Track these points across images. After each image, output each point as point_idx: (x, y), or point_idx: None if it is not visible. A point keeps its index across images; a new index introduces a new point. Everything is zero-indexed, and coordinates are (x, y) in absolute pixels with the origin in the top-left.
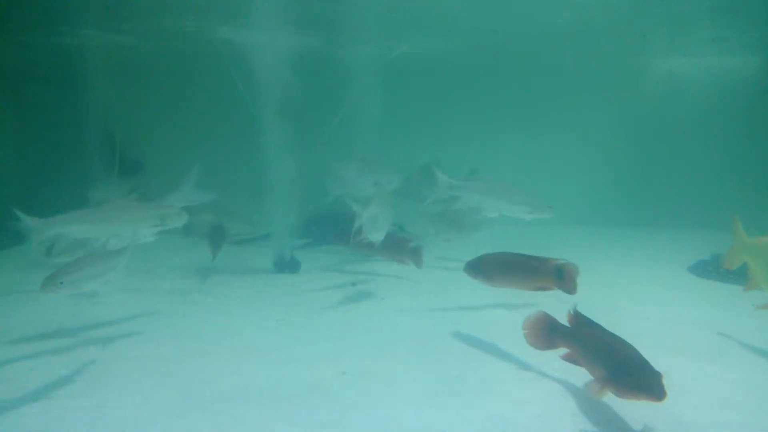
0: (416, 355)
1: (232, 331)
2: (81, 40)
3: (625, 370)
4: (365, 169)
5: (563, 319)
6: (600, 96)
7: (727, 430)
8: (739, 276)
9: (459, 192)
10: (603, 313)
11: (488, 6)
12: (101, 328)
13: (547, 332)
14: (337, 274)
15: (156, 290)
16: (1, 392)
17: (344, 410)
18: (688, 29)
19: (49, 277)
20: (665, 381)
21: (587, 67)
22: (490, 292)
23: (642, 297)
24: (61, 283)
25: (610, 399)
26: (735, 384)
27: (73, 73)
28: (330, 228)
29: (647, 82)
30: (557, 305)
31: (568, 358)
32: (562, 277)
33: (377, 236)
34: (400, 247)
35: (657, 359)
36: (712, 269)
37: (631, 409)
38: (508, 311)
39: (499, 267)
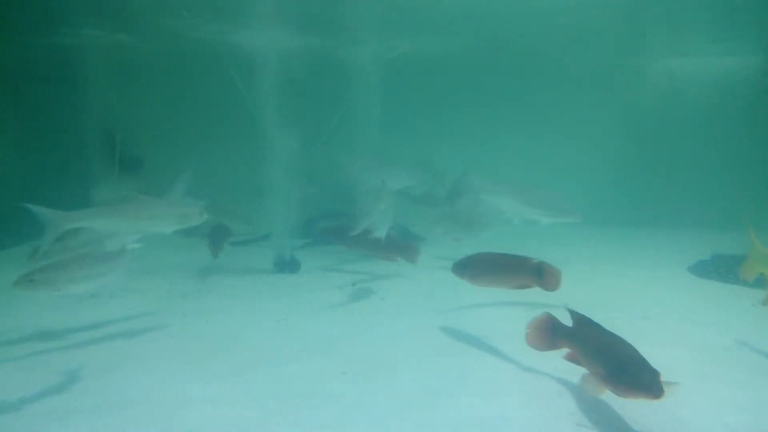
0: (416, 355)
1: (233, 331)
2: (81, 40)
3: (624, 369)
4: (377, 166)
5: (565, 320)
6: (600, 96)
7: (726, 430)
8: (739, 276)
9: (485, 195)
10: (603, 312)
11: (488, 6)
12: (101, 328)
13: (549, 333)
14: (337, 274)
15: (156, 290)
16: (0, 392)
17: (344, 410)
18: (688, 29)
19: (23, 274)
20: (663, 379)
21: (587, 67)
22: (490, 292)
23: (642, 297)
24: (32, 281)
25: (610, 399)
26: (735, 384)
27: (73, 73)
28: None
29: (647, 82)
30: (559, 305)
31: (569, 358)
32: (541, 275)
33: (382, 232)
34: (391, 245)
35: (657, 359)
36: (712, 269)
37: (631, 408)
38: (508, 311)
39: (483, 267)
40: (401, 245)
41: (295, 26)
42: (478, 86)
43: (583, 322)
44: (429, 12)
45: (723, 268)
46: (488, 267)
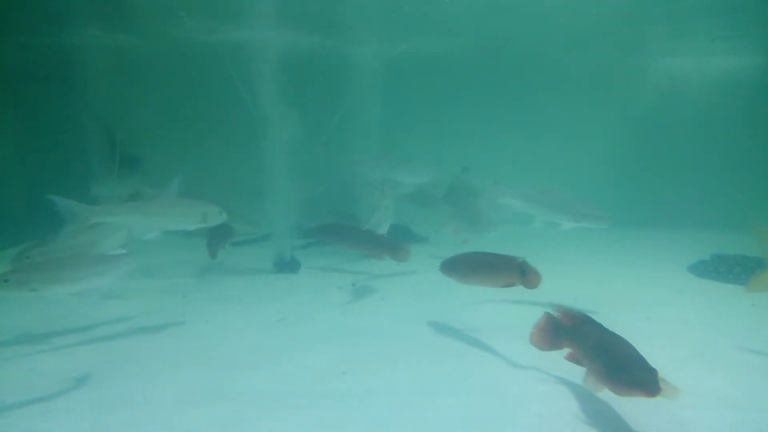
0: (416, 355)
1: (233, 330)
2: (81, 40)
3: (621, 367)
4: (391, 164)
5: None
6: (600, 96)
7: (726, 430)
8: (739, 276)
9: (507, 199)
10: (603, 312)
11: (488, 6)
12: (101, 328)
13: (550, 333)
14: (337, 273)
15: (156, 290)
16: (0, 393)
17: (344, 410)
18: (688, 29)
19: None
20: (660, 377)
21: (587, 67)
22: (490, 292)
23: (642, 297)
24: (6, 281)
25: (611, 399)
26: (734, 383)
27: (73, 73)
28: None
29: (647, 82)
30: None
31: (570, 359)
32: (524, 274)
33: (384, 229)
34: (378, 243)
35: (657, 359)
36: (712, 269)
37: (631, 408)
38: (509, 311)
39: (470, 266)
40: (392, 244)
41: (295, 26)
42: (477, 86)
43: (583, 322)
44: (429, 12)
45: (723, 268)
46: (475, 266)
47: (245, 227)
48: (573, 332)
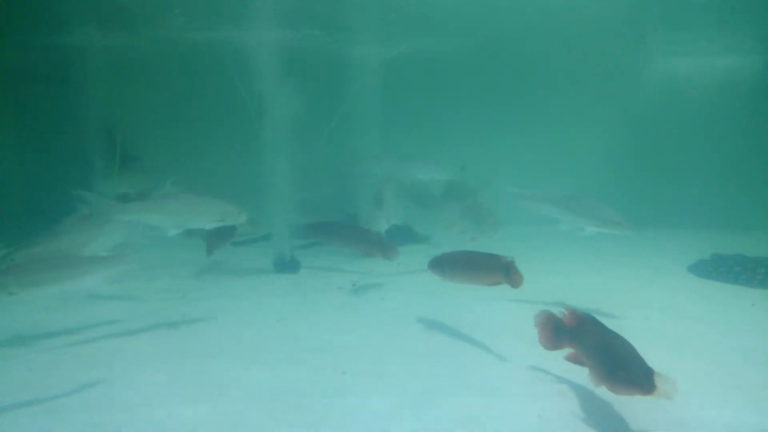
0: (416, 355)
1: (232, 330)
2: (81, 40)
3: (618, 366)
4: (401, 161)
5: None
6: (600, 96)
7: (726, 430)
8: (739, 276)
9: (528, 201)
10: (603, 312)
11: (488, 6)
12: (101, 327)
13: (552, 332)
14: (337, 274)
15: (156, 289)
16: None
17: (344, 410)
18: (688, 29)
19: None
20: (659, 377)
21: (587, 67)
22: (490, 291)
23: (642, 296)
24: None
25: (611, 399)
26: (735, 383)
27: (73, 73)
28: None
29: (647, 82)
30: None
31: (570, 359)
32: (509, 273)
33: (382, 227)
34: (369, 239)
35: (657, 358)
36: (712, 269)
37: (632, 408)
38: (509, 311)
39: (457, 264)
40: (380, 242)
41: (296, 26)
42: (477, 86)
43: (585, 321)
44: (429, 12)
45: (723, 268)
46: (462, 264)
47: (246, 227)
48: (575, 332)
